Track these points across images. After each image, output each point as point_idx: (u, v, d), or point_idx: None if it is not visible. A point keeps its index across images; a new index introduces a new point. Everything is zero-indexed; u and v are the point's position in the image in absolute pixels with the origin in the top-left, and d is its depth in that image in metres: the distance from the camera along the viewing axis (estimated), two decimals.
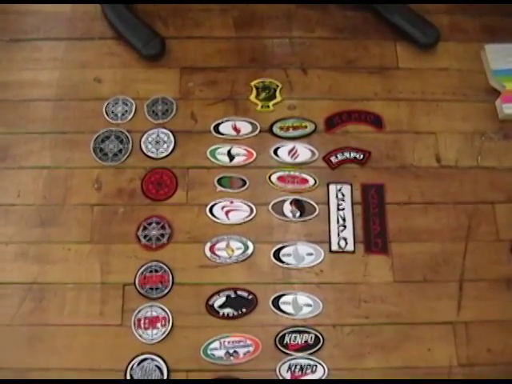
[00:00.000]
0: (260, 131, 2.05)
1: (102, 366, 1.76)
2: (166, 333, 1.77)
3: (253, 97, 2.10)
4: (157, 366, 1.73)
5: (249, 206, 1.91)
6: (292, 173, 1.95)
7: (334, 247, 1.86)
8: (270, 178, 1.95)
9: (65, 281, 1.86)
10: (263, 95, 2.08)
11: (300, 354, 1.76)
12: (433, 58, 2.24)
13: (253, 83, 2.15)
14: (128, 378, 1.72)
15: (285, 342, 1.76)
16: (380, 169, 2.00)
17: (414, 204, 1.97)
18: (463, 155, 2.05)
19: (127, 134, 2.03)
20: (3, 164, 2.01)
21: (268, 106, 2.07)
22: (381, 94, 2.14)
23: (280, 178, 1.94)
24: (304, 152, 2.00)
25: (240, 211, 1.90)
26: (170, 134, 2.03)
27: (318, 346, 1.76)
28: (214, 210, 1.91)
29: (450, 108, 2.13)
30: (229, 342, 1.75)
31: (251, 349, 1.74)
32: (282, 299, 1.81)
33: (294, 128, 2.04)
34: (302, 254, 1.85)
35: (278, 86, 2.11)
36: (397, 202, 1.96)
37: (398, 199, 1.97)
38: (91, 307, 1.83)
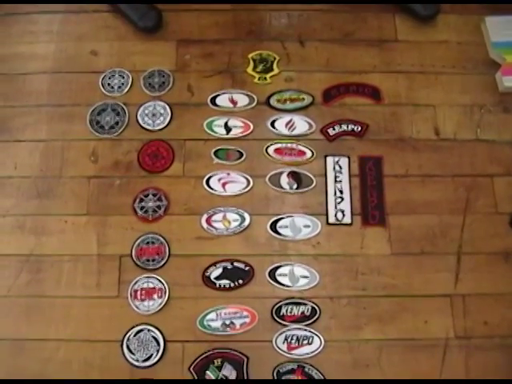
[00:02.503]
0: (257, 103, 2.05)
1: (98, 336, 1.78)
2: (163, 304, 1.79)
3: (250, 69, 2.10)
4: (153, 337, 1.74)
5: (245, 178, 1.91)
6: (289, 145, 1.96)
7: (331, 219, 1.87)
8: (266, 150, 1.95)
9: (61, 252, 1.87)
10: (260, 67, 2.08)
11: (296, 326, 1.77)
12: (432, 30, 2.23)
13: (250, 55, 2.14)
14: (125, 348, 1.72)
15: (281, 313, 1.77)
16: (378, 141, 1.99)
17: (411, 177, 1.97)
18: (462, 128, 2.04)
19: (124, 106, 2.03)
20: (0, 137, 1.99)
21: (265, 79, 2.07)
22: (379, 67, 2.14)
23: (277, 150, 1.94)
24: (301, 124, 2.00)
25: (237, 183, 1.91)
26: (167, 106, 2.03)
27: (315, 318, 1.78)
28: (211, 182, 1.92)
29: (450, 81, 2.12)
30: (225, 313, 1.77)
31: (248, 320, 1.75)
32: (279, 271, 1.82)
33: (292, 100, 2.04)
34: (299, 226, 1.85)
35: (275, 59, 2.11)
36: (395, 174, 1.95)
37: (396, 172, 1.97)
38: (88, 279, 1.84)
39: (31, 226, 1.90)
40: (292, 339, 1.73)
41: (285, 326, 1.76)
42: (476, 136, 2.02)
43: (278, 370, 1.70)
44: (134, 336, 1.74)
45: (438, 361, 1.75)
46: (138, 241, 1.83)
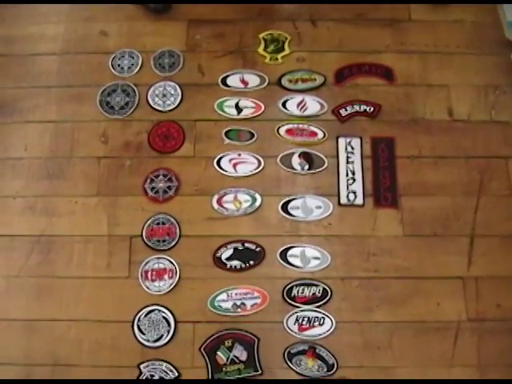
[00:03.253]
0: (268, 84, 2.03)
1: (109, 317, 1.78)
2: (173, 284, 1.78)
3: (261, 49, 2.08)
4: (164, 318, 1.74)
5: (257, 158, 1.90)
6: (301, 125, 1.93)
7: (343, 200, 1.85)
8: (278, 130, 1.93)
9: (72, 233, 1.87)
10: (272, 47, 2.06)
11: (307, 307, 1.76)
12: (446, 10, 2.19)
13: (261, 35, 2.12)
14: (135, 328, 1.73)
15: (292, 294, 1.76)
16: (390, 122, 1.97)
17: (424, 158, 1.95)
18: (476, 109, 2.01)
19: (134, 87, 2.03)
20: (10, 118, 2.02)
21: (276, 59, 2.05)
22: (392, 47, 2.11)
23: (288, 131, 1.93)
24: (313, 105, 1.99)
25: (248, 164, 1.89)
26: (177, 86, 2.02)
27: (326, 299, 1.77)
28: (222, 163, 1.90)
29: (464, 61, 2.09)
30: (236, 294, 1.76)
31: (258, 301, 1.74)
32: (290, 252, 1.80)
33: (303, 81, 2.02)
34: (311, 207, 1.84)
35: (286, 39, 2.09)
36: (407, 155, 1.93)
37: (409, 153, 1.95)
38: (98, 259, 1.84)
39: (42, 207, 1.90)
40: (303, 320, 1.72)
41: (296, 307, 1.75)
42: (490, 117, 1.99)
43: (289, 351, 1.69)
44: (145, 316, 1.74)
45: (449, 344, 1.74)
46: (149, 221, 1.83)
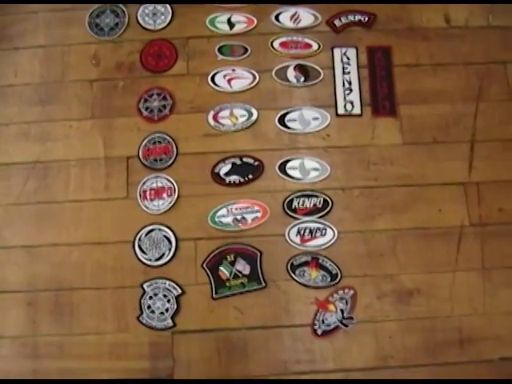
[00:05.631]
0: None
1: (110, 238, 1.59)
2: (173, 203, 1.57)
3: None
4: (165, 236, 1.55)
5: (251, 73, 1.66)
6: (295, 38, 1.67)
7: (341, 111, 1.61)
8: (272, 44, 1.69)
9: (68, 157, 1.66)
10: None
11: (309, 218, 1.55)
12: None
13: None
14: (137, 248, 1.52)
15: (293, 206, 1.55)
16: (386, 31, 1.73)
17: (422, 66, 1.71)
18: (473, 15, 1.77)
19: (122, 7, 1.78)
20: None
21: None
22: None
23: (282, 44, 1.68)
24: (307, 17, 1.74)
25: (242, 79, 1.66)
26: (167, 4, 1.73)
27: (327, 210, 1.56)
28: (216, 79, 1.66)
29: None
30: (236, 209, 1.54)
31: (259, 214, 1.53)
32: (289, 164, 1.59)
33: None
34: (308, 119, 1.60)
35: None
36: (405, 64, 1.70)
37: (406, 61, 1.71)
38: (96, 182, 1.63)
39: (36, 132, 1.67)
40: (305, 232, 1.50)
41: (297, 219, 1.54)
42: (488, 23, 1.74)
43: (292, 263, 1.50)
44: (146, 236, 1.54)
45: (453, 249, 1.56)
46: (145, 141, 1.60)
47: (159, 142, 1.60)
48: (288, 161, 1.58)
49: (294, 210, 1.52)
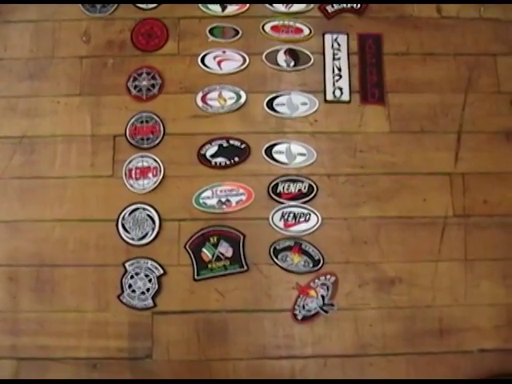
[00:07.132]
0: None
1: (93, 216, 1.47)
2: (158, 182, 1.44)
3: None
4: (148, 216, 1.41)
5: (241, 55, 1.52)
6: (286, 22, 1.53)
7: (329, 97, 1.48)
8: (263, 27, 1.55)
9: (55, 133, 1.53)
10: None
11: (293, 203, 1.43)
12: None
13: None
14: (120, 227, 1.38)
15: (278, 190, 1.42)
16: (378, 19, 1.60)
17: (412, 55, 1.59)
18: (465, 6, 1.64)
19: None
20: None
21: None
22: None
23: (274, 28, 1.55)
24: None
25: (232, 61, 1.52)
26: None
27: (312, 195, 1.44)
28: (206, 60, 1.54)
29: None
30: (221, 191, 1.42)
31: (244, 197, 1.41)
32: (276, 148, 1.46)
33: None
34: (296, 104, 1.48)
35: None
36: (395, 52, 1.56)
37: (397, 50, 1.59)
38: (82, 159, 1.51)
39: (23, 107, 1.54)
40: (289, 216, 1.38)
41: (281, 203, 1.41)
42: (479, 14, 1.61)
43: (275, 247, 1.37)
44: (129, 215, 1.42)
45: (436, 238, 1.46)
46: (132, 120, 1.48)
47: (147, 121, 1.46)
48: (275, 145, 1.45)
49: (279, 195, 1.40)
